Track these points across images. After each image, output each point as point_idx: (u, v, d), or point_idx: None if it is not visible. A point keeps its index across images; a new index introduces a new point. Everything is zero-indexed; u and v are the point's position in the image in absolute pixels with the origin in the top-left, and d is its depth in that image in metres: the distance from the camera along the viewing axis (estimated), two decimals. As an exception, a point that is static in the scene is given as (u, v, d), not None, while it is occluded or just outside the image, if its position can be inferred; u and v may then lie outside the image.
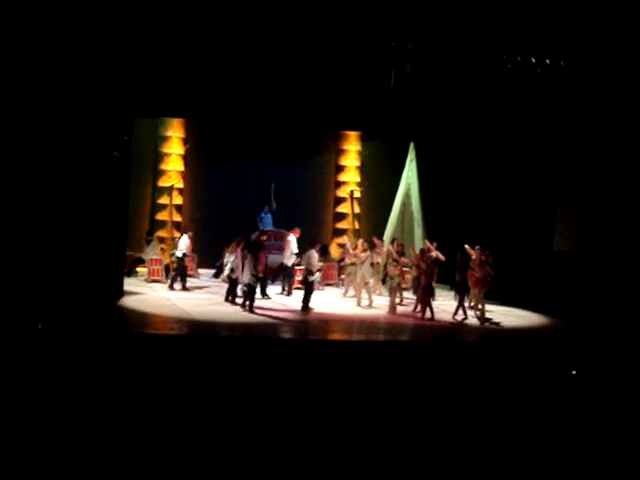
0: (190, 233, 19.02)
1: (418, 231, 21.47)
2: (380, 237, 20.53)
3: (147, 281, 19.46)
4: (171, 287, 18.56)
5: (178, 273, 18.72)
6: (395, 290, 17.69)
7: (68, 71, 14.85)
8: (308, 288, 16.96)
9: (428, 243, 18.62)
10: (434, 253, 17.89)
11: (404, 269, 18.67)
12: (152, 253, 19.95)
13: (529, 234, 19.10)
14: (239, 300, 16.80)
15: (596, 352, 13.76)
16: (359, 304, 18.16)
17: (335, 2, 15.12)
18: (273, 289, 19.05)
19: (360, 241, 19.36)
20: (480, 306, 17.35)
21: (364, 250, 18.53)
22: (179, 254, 18.64)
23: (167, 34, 15.08)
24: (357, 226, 23.83)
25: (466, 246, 17.38)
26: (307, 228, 20.31)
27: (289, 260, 18.94)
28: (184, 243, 18.73)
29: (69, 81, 14.93)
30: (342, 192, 24.00)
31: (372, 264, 18.42)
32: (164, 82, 16.99)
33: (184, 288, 18.50)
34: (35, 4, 14.06)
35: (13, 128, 14.61)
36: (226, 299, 17.28)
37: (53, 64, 14.67)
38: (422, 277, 17.19)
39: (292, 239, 19.11)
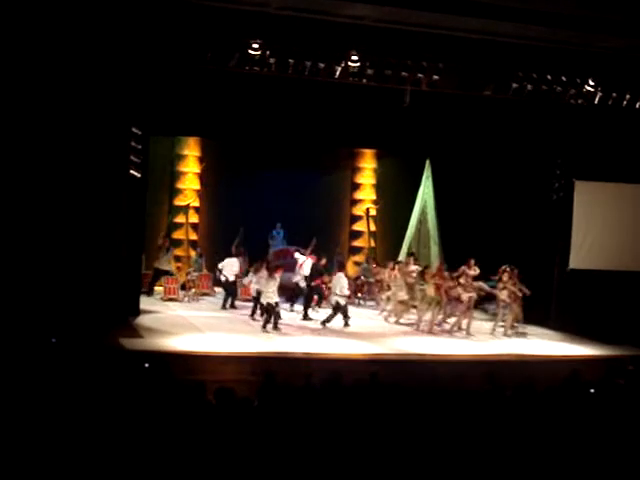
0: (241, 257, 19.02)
1: (434, 248, 21.40)
2: (396, 255, 20.58)
3: (163, 299, 19.43)
4: (230, 306, 18.76)
5: (229, 294, 18.83)
6: (431, 308, 17.68)
7: (85, 90, 14.92)
8: (337, 310, 17.06)
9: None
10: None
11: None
12: (166, 264, 19.81)
13: (546, 251, 18.97)
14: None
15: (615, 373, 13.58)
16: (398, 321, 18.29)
17: (348, 24, 15.11)
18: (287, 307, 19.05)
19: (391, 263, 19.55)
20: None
21: (395, 269, 18.78)
22: (232, 278, 18.76)
23: (183, 53, 15.13)
24: (373, 244, 23.77)
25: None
26: (323, 246, 20.26)
27: (302, 281, 18.85)
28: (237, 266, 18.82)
29: (86, 100, 15.00)
30: (358, 210, 23.97)
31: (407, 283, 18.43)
32: (180, 101, 17.08)
33: (223, 307, 18.67)
34: (53, 28, 14.15)
35: (30, 147, 14.68)
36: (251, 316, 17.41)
37: (70, 82, 14.75)
38: (462, 294, 17.44)
39: (307, 262, 19.04)
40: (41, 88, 14.55)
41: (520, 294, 17.39)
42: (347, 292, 17.43)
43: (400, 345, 16.10)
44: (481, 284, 18.09)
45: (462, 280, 17.68)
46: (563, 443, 8.16)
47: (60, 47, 14.37)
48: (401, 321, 18.36)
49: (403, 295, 18.33)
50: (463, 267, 18.10)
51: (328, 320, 17.13)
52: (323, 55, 15.74)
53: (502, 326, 17.75)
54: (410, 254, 20.25)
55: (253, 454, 7.25)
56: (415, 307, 18.25)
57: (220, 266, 18.97)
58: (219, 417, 7.87)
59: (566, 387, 10.34)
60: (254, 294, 17.43)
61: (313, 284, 18.71)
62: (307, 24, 14.97)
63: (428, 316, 17.69)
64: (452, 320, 17.94)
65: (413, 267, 18.86)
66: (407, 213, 21.97)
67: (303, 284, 18.82)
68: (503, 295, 17.41)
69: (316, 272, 18.76)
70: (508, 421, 8.54)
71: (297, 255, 19.21)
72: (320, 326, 17.20)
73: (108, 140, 15.38)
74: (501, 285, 17.51)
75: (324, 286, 18.92)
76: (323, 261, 19.08)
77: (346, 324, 17.29)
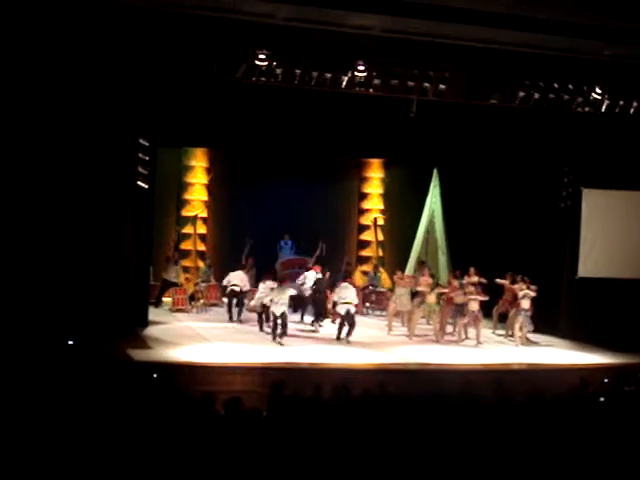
0: (245, 269, 18.91)
1: (442, 258, 21.38)
2: (403, 265, 20.56)
3: (171, 310, 19.44)
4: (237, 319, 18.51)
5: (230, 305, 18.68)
6: (436, 316, 17.61)
7: (92, 102, 14.97)
8: (347, 321, 16.80)
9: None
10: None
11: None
12: (174, 275, 19.76)
13: (554, 260, 18.91)
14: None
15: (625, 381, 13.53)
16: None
17: (354, 34, 15.15)
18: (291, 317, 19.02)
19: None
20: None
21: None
22: (247, 287, 18.66)
23: (190, 64, 15.17)
24: (381, 254, 23.74)
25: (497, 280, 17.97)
26: (330, 255, 20.25)
27: (306, 291, 18.78)
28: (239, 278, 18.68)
29: (93, 112, 15.04)
30: (365, 219, 23.96)
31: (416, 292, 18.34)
32: (187, 112, 17.11)
33: (230, 319, 18.48)
34: (60, 39, 14.21)
35: (37, 159, 14.72)
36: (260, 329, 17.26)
37: (77, 94, 14.79)
38: (470, 302, 17.38)
39: (310, 274, 18.98)
40: (48, 99, 14.59)
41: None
42: (355, 300, 17.03)
43: (408, 354, 16.02)
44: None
45: (471, 289, 17.67)
46: (572, 452, 8.12)
47: (68, 58, 14.43)
48: (416, 332, 18.16)
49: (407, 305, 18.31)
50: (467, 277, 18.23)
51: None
52: (330, 65, 15.75)
53: (511, 335, 17.72)
54: (422, 262, 20.18)
55: (262, 465, 7.24)
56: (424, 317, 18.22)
57: (226, 281, 18.73)
58: (228, 428, 7.86)
59: (575, 396, 10.31)
60: (259, 310, 17.22)
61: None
62: (313, 34, 14.99)
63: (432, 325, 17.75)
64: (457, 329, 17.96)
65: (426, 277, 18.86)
66: (415, 222, 21.96)
67: (308, 293, 18.73)
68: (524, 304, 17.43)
69: (318, 289, 18.62)
70: (517, 430, 8.51)
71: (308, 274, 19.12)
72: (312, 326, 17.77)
73: (115, 152, 15.42)
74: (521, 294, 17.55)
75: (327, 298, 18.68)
76: (327, 275, 18.95)
77: (348, 334, 16.61)
